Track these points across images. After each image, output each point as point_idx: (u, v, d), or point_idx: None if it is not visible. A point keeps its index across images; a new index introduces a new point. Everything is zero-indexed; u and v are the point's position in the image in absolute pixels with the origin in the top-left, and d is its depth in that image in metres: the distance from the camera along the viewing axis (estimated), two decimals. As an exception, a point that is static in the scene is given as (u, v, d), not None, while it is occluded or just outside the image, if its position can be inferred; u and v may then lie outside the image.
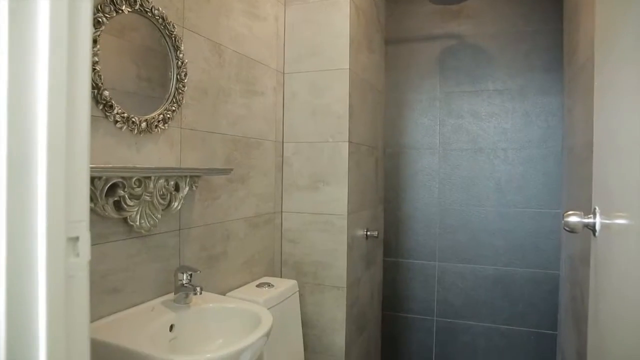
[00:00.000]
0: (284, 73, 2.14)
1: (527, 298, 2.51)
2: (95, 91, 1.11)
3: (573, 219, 1.08)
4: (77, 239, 0.63)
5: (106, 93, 1.14)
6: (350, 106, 2.06)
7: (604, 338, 0.97)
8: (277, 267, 2.14)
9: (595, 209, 1.07)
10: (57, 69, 0.53)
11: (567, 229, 1.09)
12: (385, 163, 2.77)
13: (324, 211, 2.08)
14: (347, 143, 2.03)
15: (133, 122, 1.25)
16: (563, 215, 1.09)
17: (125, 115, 1.22)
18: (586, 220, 1.07)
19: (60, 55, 0.54)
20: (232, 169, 1.61)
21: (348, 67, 2.03)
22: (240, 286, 1.82)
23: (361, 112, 2.24)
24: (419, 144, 2.70)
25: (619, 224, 0.87)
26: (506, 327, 2.55)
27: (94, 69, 1.09)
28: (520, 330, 2.53)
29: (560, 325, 2.34)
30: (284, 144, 2.15)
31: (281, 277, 2.16)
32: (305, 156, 2.12)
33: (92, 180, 1.09)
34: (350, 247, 2.09)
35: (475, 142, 2.59)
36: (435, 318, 2.70)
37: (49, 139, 0.54)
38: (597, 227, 1.05)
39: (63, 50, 0.54)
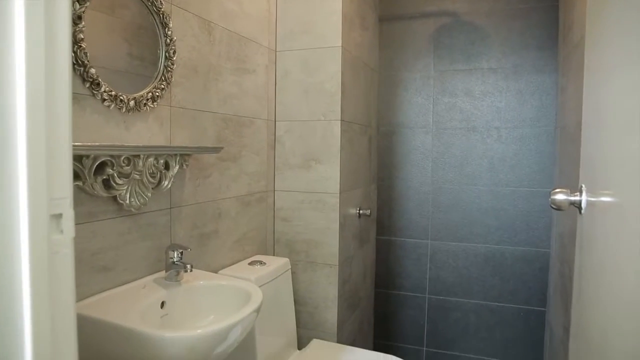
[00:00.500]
0: (275, 51, 2.12)
1: (518, 276, 2.54)
2: (82, 69, 1.10)
3: (559, 196, 1.09)
4: (60, 215, 0.62)
5: (92, 71, 1.12)
6: (343, 84, 2.05)
7: (585, 312, 0.99)
8: (269, 246, 2.16)
9: (581, 186, 1.08)
10: (34, 42, 0.53)
11: (553, 206, 1.10)
12: (379, 142, 2.77)
13: (316, 190, 2.09)
14: (339, 122, 2.03)
15: (121, 100, 1.24)
16: (550, 193, 1.10)
17: (113, 93, 1.21)
18: (572, 198, 1.08)
19: (37, 29, 0.53)
20: (222, 148, 1.60)
21: (340, 44, 2.01)
22: (232, 264, 1.84)
23: (354, 91, 2.23)
24: (413, 123, 2.69)
25: (601, 202, 0.88)
26: (497, 304, 2.59)
27: (79, 46, 1.08)
28: (510, 307, 2.57)
29: (549, 302, 2.38)
30: (276, 122, 2.14)
31: (274, 255, 2.18)
32: (297, 135, 2.11)
33: (80, 158, 1.09)
34: (342, 225, 2.11)
35: (469, 121, 2.58)
36: (427, 295, 2.73)
37: (28, 116, 0.54)
38: (583, 205, 1.06)
39: (40, 24, 0.53)
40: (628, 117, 0.69)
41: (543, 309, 2.49)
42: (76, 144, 0.98)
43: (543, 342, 2.49)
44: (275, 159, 2.16)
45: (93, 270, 1.21)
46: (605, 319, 0.78)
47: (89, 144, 1.07)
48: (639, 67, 0.64)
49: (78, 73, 1.11)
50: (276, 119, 2.14)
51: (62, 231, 0.63)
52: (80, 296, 1.17)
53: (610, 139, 0.82)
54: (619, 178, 0.74)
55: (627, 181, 0.69)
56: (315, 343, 1.99)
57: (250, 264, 1.85)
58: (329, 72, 2.03)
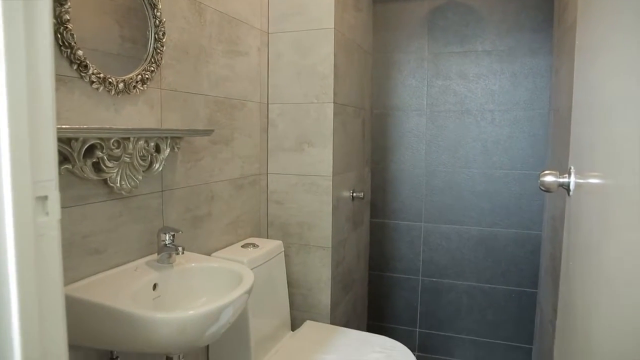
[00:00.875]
0: (268, 33, 2.10)
1: (510, 258, 2.57)
2: (68, 50, 1.09)
3: (548, 178, 1.09)
4: (45, 198, 0.62)
5: (80, 52, 1.11)
6: (336, 67, 2.03)
7: (571, 291, 1.00)
8: (263, 228, 2.17)
9: (570, 168, 1.09)
10: (12, 20, 0.52)
11: (542, 188, 1.11)
12: (373, 124, 2.77)
13: (310, 172, 2.09)
14: (332, 104, 2.02)
15: (110, 82, 1.23)
16: (539, 174, 1.10)
17: (102, 75, 1.20)
18: (561, 180, 1.09)
19: (16, 6, 0.52)
20: (213, 130, 1.60)
21: (333, 26, 1.99)
22: (225, 247, 1.85)
23: (347, 73, 2.21)
24: (407, 106, 2.68)
25: (588, 183, 0.88)
26: (489, 285, 2.62)
27: (65, 27, 1.06)
28: (502, 289, 2.60)
29: (540, 284, 2.40)
30: (269, 105, 2.13)
31: (267, 237, 2.19)
32: (290, 117, 2.11)
33: (69, 141, 1.09)
34: (335, 208, 2.12)
35: (463, 104, 2.58)
36: (420, 277, 2.76)
37: (9, 98, 0.53)
38: (572, 187, 1.06)
39: (18, 1, 0.52)
40: (612, 99, 0.69)
41: (534, 290, 2.52)
42: (63, 126, 0.98)
43: (534, 322, 2.53)
44: (269, 142, 2.15)
45: (84, 253, 1.21)
46: (589, 297, 0.79)
47: (77, 126, 1.07)
48: (622, 48, 0.64)
49: (65, 55, 1.09)
50: (269, 102, 2.13)
51: (47, 213, 0.63)
52: (72, 279, 1.18)
53: (596, 121, 0.82)
54: (603, 160, 0.74)
55: (610, 163, 0.69)
56: (308, 324, 2.01)
57: (243, 246, 1.86)
58: (322, 54, 2.02)
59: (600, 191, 0.75)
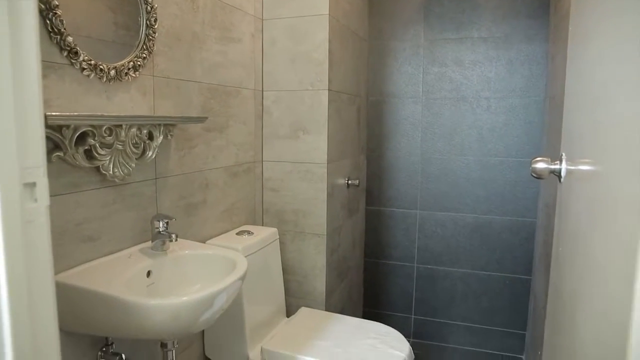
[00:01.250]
0: (262, 19, 2.08)
1: (505, 245, 2.58)
2: (58, 37, 1.08)
3: (540, 165, 1.10)
4: (34, 184, 0.62)
5: (70, 39, 1.10)
6: (330, 53, 2.02)
7: (561, 278, 1.01)
8: (258, 216, 2.17)
9: (562, 155, 1.09)
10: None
11: (534, 175, 1.11)
12: (368, 112, 2.76)
13: (304, 160, 2.09)
14: (327, 91, 2.01)
15: (101, 69, 1.22)
16: (531, 161, 1.11)
17: (93, 62, 1.19)
18: (552, 167, 1.09)
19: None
20: (206, 117, 1.59)
21: (328, 12, 1.97)
22: (220, 234, 1.85)
23: (342, 60, 2.20)
24: (402, 93, 2.68)
25: (577, 170, 0.88)
26: (483, 272, 2.64)
27: (54, 13, 1.05)
28: (497, 276, 2.62)
29: (534, 271, 2.42)
30: (264, 92, 2.13)
31: (263, 225, 2.20)
32: (285, 104, 2.10)
33: (60, 129, 1.08)
34: (330, 195, 2.12)
35: (459, 91, 2.57)
36: (415, 265, 2.78)
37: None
38: (563, 173, 1.07)
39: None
40: (598, 86, 0.69)
41: (529, 277, 2.54)
42: (53, 113, 0.98)
43: (528, 309, 2.55)
44: (263, 129, 2.15)
45: (78, 241, 1.22)
46: (576, 282, 0.80)
47: (67, 113, 1.06)
48: (610, 35, 0.64)
49: (55, 41, 1.09)
50: (263, 89, 2.12)
51: (36, 200, 0.63)
52: (66, 266, 1.18)
53: (584, 108, 0.82)
54: (589, 146, 0.74)
55: (595, 150, 0.69)
56: (303, 311, 2.02)
57: (238, 234, 1.86)
58: (317, 40, 2.01)
59: (587, 178, 0.76)
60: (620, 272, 0.51)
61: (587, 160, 0.78)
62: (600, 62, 0.71)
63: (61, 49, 1.11)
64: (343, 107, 2.25)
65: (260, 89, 2.11)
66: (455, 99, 2.58)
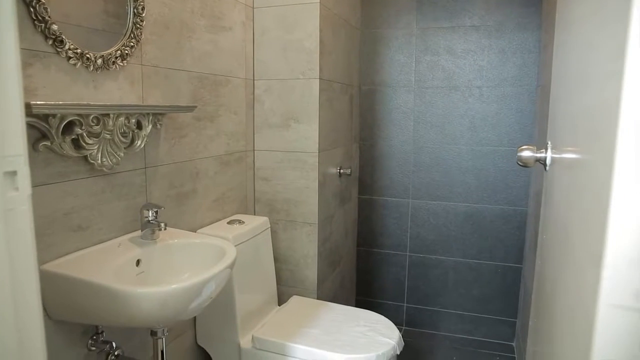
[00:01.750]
0: (253, 7, 2.07)
1: (496, 234, 2.60)
2: (42, 25, 1.07)
3: (525, 153, 1.10)
4: (14, 173, 0.62)
5: (55, 27, 1.10)
6: (321, 42, 2.02)
7: (545, 265, 1.03)
8: (250, 205, 2.18)
9: (547, 143, 1.10)
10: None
11: (520, 163, 1.12)
12: (361, 101, 2.76)
13: (296, 149, 2.09)
14: (318, 80, 2.01)
15: (88, 58, 1.21)
16: (517, 150, 1.11)
17: (79, 51, 1.18)
18: (538, 155, 1.10)
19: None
20: (196, 106, 1.59)
21: (319, 1, 1.96)
22: (211, 223, 1.86)
23: (334, 49, 2.19)
24: (395, 82, 2.67)
25: (559, 158, 0.89)
26: (475, 261, 2.66)
27: (38, 1, 1.04)
28: (488, 264, 2.64)
29: (525, 259, 2.44)
30: (255, 81, 2.12)
31: (254, 214, 2.20)
32: (276, 94, 2.09)
33: (46, 118, 1.08)
34: (322, 184, 2.13)
35: (451, 80, 2.57)
36: (408, 253, 2.79)
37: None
38: (548, 162, 1.07)
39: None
40: (578, 74, 0.69)
41: (519, 265, 2.56)
42: (38, 102, 0.97)
43: (518, 297, 2.58)
44: (255, 118, 2.15)
45: (67, 230, 1.22)
46: (556, 268, 0.81)
47: (52, 102, 1.06)
48: (589, 22, 0.64)
49: (39, 29, 1.08)
50: (254, 78, 2.12)
51: (17, 189, 0.63)
52: (55, 255, 1.19)
53: (563, 96, 0.83)
54: (569, 134, 0.75)
55: (574, 137, 0.70)
56: (295, 299, 2.04)
57: (229, 223, 1.87)
58: (308, 29, 2.00)
59: (566, 165, 0.77)
60: (590, 256, 0.51)
61: (566, 149, 0.78)
62: (579, 50, 0.72)
63: (46, 37, 1.10)
64: (335, 96, 2.25)
65: (251, 78, 2.11)
66: (447, 87, 2.58)
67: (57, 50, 1.13)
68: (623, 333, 0.44)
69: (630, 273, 0.43)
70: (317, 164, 2.06)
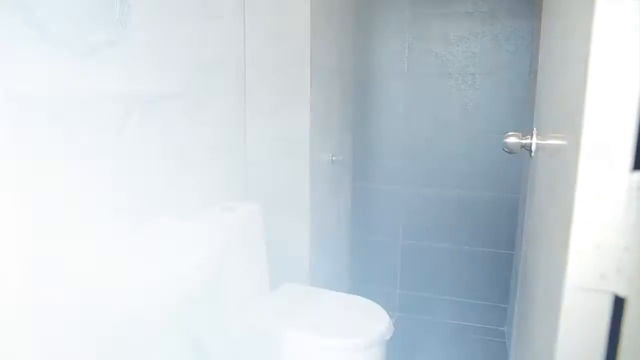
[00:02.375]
0: (244, -7, 2.05)
1: (488, 220, 2.61)
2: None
3: (511, 139, 1.10)
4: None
5: (38, 14, 1.09)
6: (313, 28, 2.00)
7: (530, 251, 1.04)
8: (241, 192, 2.18)
9: (533, 129, 1.10)
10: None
11: (505, 149, 1.12)
12: (354, 88, 2.75)
13: (288, 136, 2.09)
14: (309, 66, 2.00)
15: (74, 44, 1.21)
16: (503, 136, 1.12)
17: (64, 37, 1.17)
18: (524, 141, 1.10)
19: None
20: (186, 94, 1.58)
21: (310, -14, 1.95)
22: (203, 210, 1.86)
23: (325, 35, 2.18)
24: (388, 69, 2.67)
25: (543, 144, 0.90)
26: (467, 247, 2.68)
27: (21, -14, 1.04)
28: (480, 251, 2.66)
29: (516, 246, 2.46)
30: (246, 68, 2.11)
31: (246, 201, 2.20)
32: (268, 80, 2.09)
33: (32, 104, 1.08)
34: (313, 171, 2.13)
35: (444, 67, 2.57)
36: (401, 240, 2.81)
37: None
38: (533, 148, 1.08)
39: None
40: (559, 61, 0.69)
41: (511, 252, 2.58)
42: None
43: (509, 283, 2.60)
44: (246, 105, 2.14)
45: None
46: (537, 251, 0.82)
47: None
48: (569, 8, 0.64)
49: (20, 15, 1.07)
50: (245, 65, 2.11)
51: None
52: None
53: (548, 82, 0.83)
54: (548, 121, 0.75)
55: (551, 124, 0.70)
56: (286, 286, 2.05)
57: (220, 209, 1.87)
58: (299, 15, 1.98)
59: (547, 152, 0.77)
60: (560, 241, 0.52)
61: (547, 135, 0.79)
62: (561, 35, 0.72)
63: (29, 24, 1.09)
64: (326, 83, 2.24)
65: (243, 65, 2.09)
66: (440, 74, 2.57)
67: (41, 35, 1.12)
68: (587, 315, 0.44)
69: (596, 258, 0.44)
70: (309, 150, 2.06)
